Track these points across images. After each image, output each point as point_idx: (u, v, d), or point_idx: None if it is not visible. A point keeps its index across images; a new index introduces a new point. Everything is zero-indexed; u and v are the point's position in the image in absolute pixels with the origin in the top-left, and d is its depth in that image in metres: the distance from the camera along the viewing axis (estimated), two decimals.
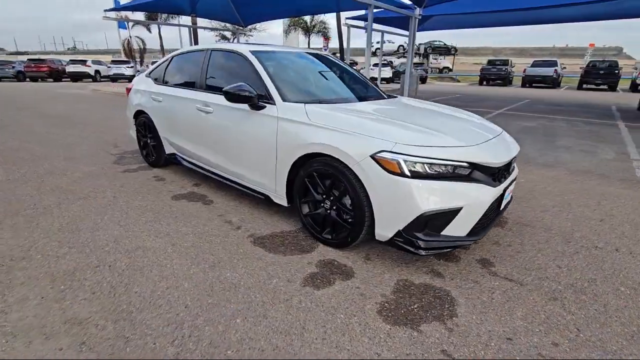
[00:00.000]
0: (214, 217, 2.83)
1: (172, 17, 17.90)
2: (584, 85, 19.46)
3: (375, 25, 14.51)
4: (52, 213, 2.84)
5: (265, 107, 2.57)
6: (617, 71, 18.64)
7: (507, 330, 1.65)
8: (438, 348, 1.54)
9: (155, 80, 3.85)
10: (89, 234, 2.50)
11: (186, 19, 15.29)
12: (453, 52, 33.33)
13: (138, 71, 17.27)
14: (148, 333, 1.60)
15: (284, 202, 2.63)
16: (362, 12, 12.64)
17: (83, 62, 22.76)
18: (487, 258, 2.29)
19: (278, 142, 2.47)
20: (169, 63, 3.74)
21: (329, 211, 2.33)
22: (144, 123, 3.99)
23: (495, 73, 22.33)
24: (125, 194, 3.27)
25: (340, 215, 2.28)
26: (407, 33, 15.23)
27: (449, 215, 1.95)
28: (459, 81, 27.40)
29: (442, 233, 2.00)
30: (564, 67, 24.14)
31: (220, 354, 1.50)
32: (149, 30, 20.76)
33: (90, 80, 22.34)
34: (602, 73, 18.77)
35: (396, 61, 27.87)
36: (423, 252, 1.98)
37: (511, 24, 15.46)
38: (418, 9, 10.59)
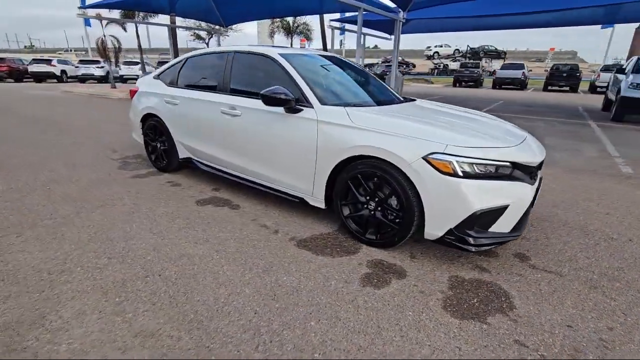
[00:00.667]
0: (248, 221, 2.80)
1: (150, 16, 17.26)
2: (549, 87, 20.72)
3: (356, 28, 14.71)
4: (73, 223, 2.70)
5: (301, 110, 2.59)
6: (578, 74, 20.02)
7: (565, 318, 1.78)
8: (510, 338, 1.64)
9: (168, 82, 3.74)
10: (123, 244, 2.41)
11: (164, 18, 14.82)
12: (503, 56, 34.34)
13: (108, 72, 16.51)
14: (228, 341, 1.59)
15: (321, 204, 2.65)
16: (343, 14, 12.80)
17: (47, 61, 21.42)
18: (522, 252, 2.43)
19: (319, 145, 2.49)
20: (183, 65, 3.65)
21: (373, 212, 2.39)
22: (154, 127, 3.86)
23: (468, 75, 23.29)
24: (145, 201, 3.16)
25: (385, 216, 2.34)
26: (386, 36, 15.63)
27: (498, 212, 2.07)
28: (432, 83, 28.31)
29: (489, 230, 2.11)
30: (530, 70, 25.58)
31: (309, 358, 1.51)
32: (124, 29, 19.83)
33: (55, 80, 21.07)
34: (565, 76, 20.09)
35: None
36: (473, 249, 2.09)
37: (482, 29, 16.25)
38: (402, 12, 10.86)
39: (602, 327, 1.73)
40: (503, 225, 2.12)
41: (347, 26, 14.23)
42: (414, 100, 3.44)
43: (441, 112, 2.99)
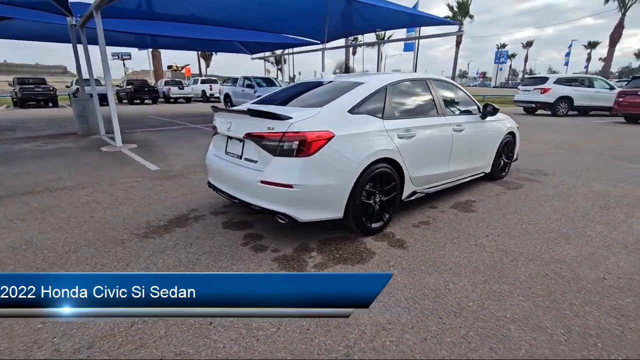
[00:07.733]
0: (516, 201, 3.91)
1: None
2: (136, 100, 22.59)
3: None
4: None
5: (487, 116, 4.13)
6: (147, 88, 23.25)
7: None
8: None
9: (381, 115, 2.90)
10: None
11: None
12: None
13: None
14: None
15: (489, 169, 4.44)
16: None
17: None
18: None
19: (500, 133, 4.29)
20: (387, 93, 3.02)
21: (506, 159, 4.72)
22: (379, 175, 2.80)
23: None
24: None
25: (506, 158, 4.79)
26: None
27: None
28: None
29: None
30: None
31: None
32: None
33: None
34: (146, 90, 22.72)
35: None
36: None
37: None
38: (72, 17, 8.70)
39: None
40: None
41: None
42: None
43: None
